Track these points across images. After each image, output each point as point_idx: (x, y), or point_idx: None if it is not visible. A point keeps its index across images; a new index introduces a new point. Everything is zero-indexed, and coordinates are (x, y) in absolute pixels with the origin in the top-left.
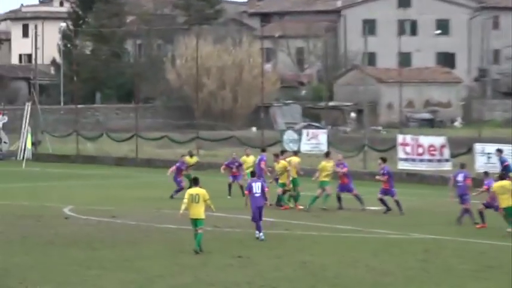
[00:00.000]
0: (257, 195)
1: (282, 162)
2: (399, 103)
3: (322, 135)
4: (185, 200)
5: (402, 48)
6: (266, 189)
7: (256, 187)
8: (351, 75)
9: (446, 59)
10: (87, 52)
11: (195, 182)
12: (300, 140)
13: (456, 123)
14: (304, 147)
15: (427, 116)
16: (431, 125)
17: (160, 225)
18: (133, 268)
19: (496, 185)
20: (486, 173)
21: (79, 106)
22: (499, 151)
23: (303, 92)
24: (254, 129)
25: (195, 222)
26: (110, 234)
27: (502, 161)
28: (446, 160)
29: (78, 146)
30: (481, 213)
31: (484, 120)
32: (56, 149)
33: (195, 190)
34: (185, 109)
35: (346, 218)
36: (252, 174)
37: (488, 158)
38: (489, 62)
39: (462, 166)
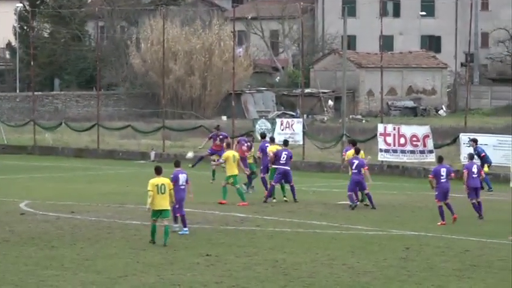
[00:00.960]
0: (182, 187)
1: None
2: (380, 90)
3: (297, 125)
4: (150, 192)
5: (384, 31)
6: (189, 183)
7: (182, 179)
8: (328, 60)
9: (431, 43)
10: (45, 35)
11: (158, 171)
12: (273, 129)
13: (441, 112)
14: (278, 137)
15: (410, 104)
16: (414, 113)
17: (123, 221)
18: (94, 268)
19: None
20: (471, 156)
21: (36, 93)
22: (474, 141)
23: (277, 78)
24: (224, 118)
25: (161, 213)
26: (70, 231)
27: (479, 152)
28: (430, 151)
29: (35, 136)
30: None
31: (471, 109)
32: (11, 139)
33: (159, 180)
34: (150, 97)
35: (322, 213)
36: (176, 164)
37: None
38: (477, 46)
39: (440, 160)
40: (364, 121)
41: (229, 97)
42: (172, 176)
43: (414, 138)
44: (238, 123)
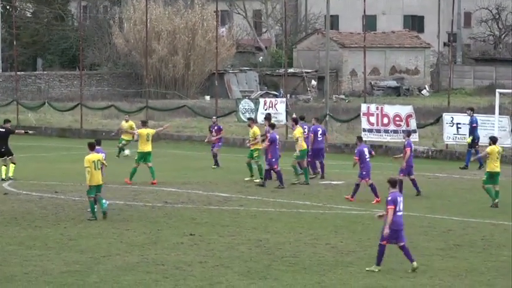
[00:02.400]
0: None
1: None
2: (363, 70)
3: (280, 105)
4: (88, 169)
5: (367, 11)
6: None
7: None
8: (311, 40)
9: (414, 23)
10: (28, 14)
11: (92, 147)
12: (256, 109)
13: (424, 92)
14: (262, 117)
15: (393, 83)
16: (397, 93)
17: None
18: (78, 247)
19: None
20: (359, 138)
21: (19, 73)
22: (471, 109)
23: (260, 58)
24: (208, 97)
25: (97, 188)
26: (53, 211)
27: (472, 122)
28: (413, 131)
29: (18, 116)
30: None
31: (454, 88)
32: None
33: (95, 156)
34: (134, 76)
35: (305, 193)
36: (97, 143)
37: (458, 128)
38: (460, 26)
39: (360, 140)
40: (347, 101)
41: (213, 77)
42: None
43: (397, 118)
44: (221, 103)
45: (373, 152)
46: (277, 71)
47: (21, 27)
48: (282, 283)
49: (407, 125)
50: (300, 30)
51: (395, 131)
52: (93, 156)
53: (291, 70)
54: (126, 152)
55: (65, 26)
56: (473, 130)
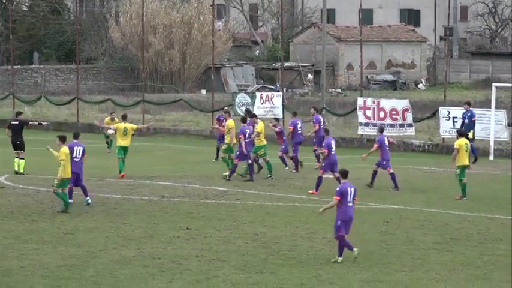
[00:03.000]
0: (76, 159)
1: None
2: (360, 64)
3: (277, 98)
4: (63, 162)
5: (363, 5)
6: (85, 156)
7: (77, 151)
8: (308, 34)
9: (410, 16)
10: (24, 8)
11: (63, 139)
12: (253, 103)
13: (420, 86)
14: (258, 111)
15: (389, 77)
16: (393, 87)
17: (103, 195)
18: (74, 241)
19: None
20: (326, 131)
21: (15, 67)
22: (468, 104)
23: (257, 52)
24: (204, 91)
25: (69, 181)
26: (50, 205)
27: (472, 115)
28: (409, 125)
29: (15, 110)
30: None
31: (450, 82)
32: None
33: (68, 149)
34: (130, 70)
35: (302, 187)
36: (75, 136)
37: (454, 122)
38: (456, 20)
39: (327, 132)
40: (343, 95)
41: (209, 71)
42: (67, 147)
43: (394, 112)
44: (217, 97)
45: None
46: (274, 64)
47: (17, 21)
48: (278, 277)
49: (404, 119)
50: (296, 24)
51: (391, 125)
52: (67, 148)
53: (287, 64)
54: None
55: (61, 19)
56: (473, 124)
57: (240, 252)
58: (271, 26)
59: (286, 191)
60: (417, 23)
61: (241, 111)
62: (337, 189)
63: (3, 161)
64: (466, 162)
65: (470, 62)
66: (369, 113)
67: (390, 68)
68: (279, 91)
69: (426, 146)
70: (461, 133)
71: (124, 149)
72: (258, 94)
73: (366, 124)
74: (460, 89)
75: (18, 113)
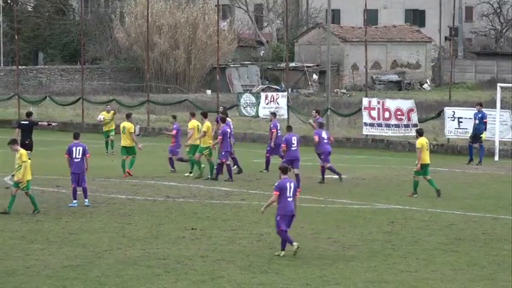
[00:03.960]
0: (76, 160)
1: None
2: (365, 64)
3: (281, 99)
4: (26, 164)
5: (368, 5)
6: (88, 155)
7: (77, 151)
8: (313, 34)
9: (416, 17)
10: (29, 8)
11: (13, 142)
12: (258, 103)
13: (425, 86)
14: (263, 111)
15: (394, 78)
16: (398, 87)
17: (108, 195)
18: (79, 242)
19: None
20: (289, 128)
21: (20, 67)
22: (480, 105)
23: (262, 52)
24: (209, 92)
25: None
26: (55, 205)
27: (483, 117)
28: (414, 125)
29: (20, 110)
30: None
31: (455, 83)
32: None
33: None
34: (135, 71)
35: (307, 187)
36: (75, 136)
37: (459, 122)
38: (461, 20)
39: (290, 129)
40: (348, 95)
41: (214, 71)
42: (67, 148)
43: (399, 112)
44: (222, 97)
45: (300, 144)
46: (279, 65)
47: (23, 21)
48: (283, 277)
49: (409, 120)
50: (301, 25)
51: (396, 126)
52: (23, 151)
53: (292, 64)
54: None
55: (66, 20)
56: (485, 125)
57: (245, 253)
58: (276, 26)
59: None
60: (422, 24)
61: (246, 111)
62: (276, 184)
63: (8, 162)
64: (427, 161)
65: (475, 63)
66: (374, 113)
67: (395, 68)
68: (284, 91)
69: (431, 147)
70: (421, 132)
71: (125, 149)
72: (263, 94)
73: (371, 124)
74: (465, 90)
75: (29, 114)
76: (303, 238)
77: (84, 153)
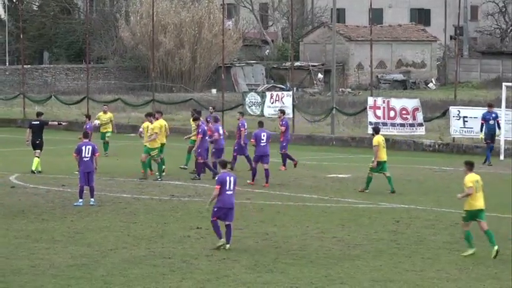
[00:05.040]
0: (85, 159)
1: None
2: (370, 63)
3: (287, 98)
4: None
5: (373, 4)
6: (97, 154)
7: (86, 150)
8: (318, 33)
9: (421, 16)
10: (34, 8)
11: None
12: (263, 103)
13: (430, 85)
14: (268, 110)
15: (399, 77)
16: (404, 86)
17: (113, 194)
18: (84, 241)
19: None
20: (260, 123)
21: (26, 66)
22: (490, 106)
23: (267, 52)
24: (214, 91)
25: None
26: (60, 204)
27: (496, 116)
28: (420, 124)
29: (25, 110)
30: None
31: (460, 82)
32: (0, 112)
33: None
34: (140, 70)
35: (312, 186)
36: (85, 135)
37: (465, 121)
38: (466, 19)
39: (261, 124)
40: (354, 94)
41: (219, 70)
42: (76, 147)
43: (404, 111)
44: (228, 97)
45: (270, 139)
46: (284, 64)
47: (28, 20)
48: (288, 276)
49: (414, 119)
50: (306, 24)
51: (402, 125)
52: None
53: (297, 63)
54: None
55: (72, 19)
56: (498, 125)
57: (250, 252)
58: (281, 25)
59: (297, 191)
60: (427, 23)
61: (251, 110)
62: (216, 178)
63: (15, 161)
64: (384, 158)
65: (481, 62)
66: (379, 112)
67: (400, 68)
68: (289, 90)
69: (436, 146)
70: (377, 130)
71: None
72: (268, 94)
73: (376, 123)
74: (471, 89)
75: (39, 114)
76: (308, 237)
77: (93, 152)
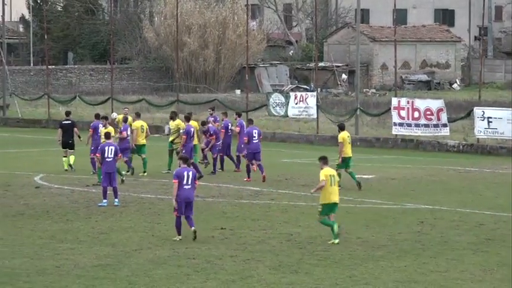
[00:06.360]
0: (108, 159)
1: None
2: (394, 64)
3: (311, 99)
4: None
5: (398, 5)
6: (119, 155)
7: (109, 151)
8: (342, 34)
9: (445, 16)
10: (59, 8)
11: None
12: (287, 103)
13: (455, 86)
14: (292, 111)
15: (423, 77)
16: (428, 87)
17: (137, 194)
18: (109, 241)
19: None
20: (250, 121)
21: (50, 67)
22: None
23: (291, 52)
24: (238, 91)
25: None
26: (84, 204)
27: None
28: (444, 125)
29: (49, 110)
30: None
31: (485, 82)
32: (25, 113)
33: None
34: (164, 70)
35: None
36: (107, 136)
37: (489, 122)
38: (491, 20)
39: (251, 122)
40: (379, 95)
41: (243, 71)
42: (99, 148)
43: (428, 112)
44: (252, 97)
45: (261, 136)
46: (308, 65)
47: (52, 21)
48: (313, 277)
49: (438, 119)
50: (330, 24)
51: (426, 125)
52: None
53: (321, 64)
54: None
55: (96, 19)
56: None
57: (274, 252)
58: (305, 26)
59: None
60: (451, 23)
61: (275, 111)
62: (174, 173)
63: (39, 161)
64: (350, 154)
65: (505, 62)
66: (403, 113)
67: (424, 68)
68: (313, 91)
69: (461, 146)
70: (342, 127)
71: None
72: (292, 94)
73: (401, 124)
74: (495, 89)
75: (68, 113)
76: (332, 238)
77: (116, 153)
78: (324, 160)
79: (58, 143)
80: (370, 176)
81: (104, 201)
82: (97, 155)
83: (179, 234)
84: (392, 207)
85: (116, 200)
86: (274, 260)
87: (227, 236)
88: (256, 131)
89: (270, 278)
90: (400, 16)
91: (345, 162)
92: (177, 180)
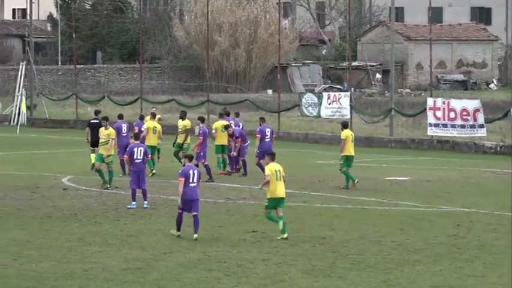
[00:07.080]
0: (138, 161)
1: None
2: (429, 63)
3: (344, 99)
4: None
5: (433, 3)
6: (149, 156)
7: (138, 152)
8: (376, 33)
9: (481, 15)
10: (87, 7)
11: None
12: (320, 103)
13: (492, 85)
14: (325, 111)
15: (459, 77)
16: (464, 87)
17: (167, 196)
18: (138, 244)
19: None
20: (262, 119)
21: (78, 66)
22: None
23: (324, 51)
24: (270, 91)
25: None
26: (113, 206)
27: None
28: (481, 126)
29: (78, 110)
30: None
31: None
32: (53, 113)
33: None
34: (194, 70)
35: (370, 189)
36: (136, 137)
37: None
38: None
39: (263, 120)
40: (414, 95)
41: (275, 70)
42: (128, 149)
43: (464, 113)
44: (284, 97)
45: (274, 135)
46: (341, 64)
47: (81, 19)
48: (346, 281)
49: (475, 120)
50: (364, 23)
51: (462, 126)
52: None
53: (355, 63)
54: None
55: (125, 18)
56: None
57: (307, 256)
58: (338, 24)
59: (355, 194)
60: (488, 21)
61: (308, 111)
62: (180, 171)
63: (67, 162)
64: (351, 152)
65: None
66: (439, 113)
67: (461, 68)
68: (346, 91)
69: (498, 148)
70: (345, 124)
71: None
72: (325, 94)
73: (436, 125)
74: None
75: (97, 112)
76: (366, 241)
77: (145, 154)
78: (270, 156)
79: (86, 142)
80: (405, 178)
81: (133, 203)
82: (125, 156)
83: (178, 230)
84: (428, 210)
85: (145, 202)
86: (307, 264)
87: (259, 239)
88: (269, 130)
89: (302, 282)
90: (435, 14)
91: (348, 161)
92: (183, 178)
